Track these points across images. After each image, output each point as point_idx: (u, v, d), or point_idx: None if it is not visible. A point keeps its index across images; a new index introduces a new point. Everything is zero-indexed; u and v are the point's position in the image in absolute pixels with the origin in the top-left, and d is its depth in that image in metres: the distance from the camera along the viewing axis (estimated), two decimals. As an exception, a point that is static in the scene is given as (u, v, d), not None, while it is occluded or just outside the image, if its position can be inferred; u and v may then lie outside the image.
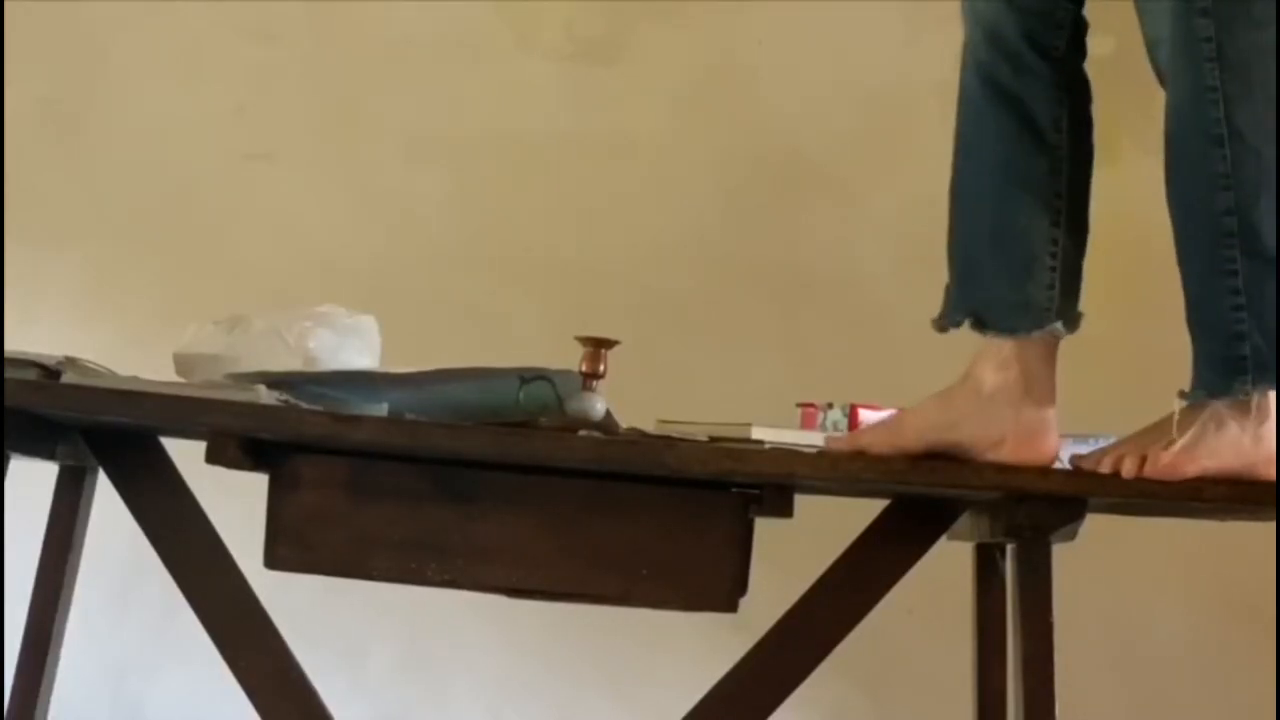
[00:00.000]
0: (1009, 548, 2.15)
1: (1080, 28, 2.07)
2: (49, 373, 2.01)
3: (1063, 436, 2.04)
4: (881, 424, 2.08)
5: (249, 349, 2.18)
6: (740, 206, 3.81)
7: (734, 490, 2.06)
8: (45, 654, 2.24)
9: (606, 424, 2.07)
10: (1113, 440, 2.08)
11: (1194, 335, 1.98)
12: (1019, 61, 2.02)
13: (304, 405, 2.02)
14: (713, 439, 2.09)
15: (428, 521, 2.04)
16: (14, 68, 3.79)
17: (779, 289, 3.76)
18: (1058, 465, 2.03)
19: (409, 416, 2.06)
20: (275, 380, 2.05)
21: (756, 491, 2.05)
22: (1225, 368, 1.95)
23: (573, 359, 2.11)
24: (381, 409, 2.07)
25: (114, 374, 2.06)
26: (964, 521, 2.15)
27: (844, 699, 3.52)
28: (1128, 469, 1.94)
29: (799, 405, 2.31)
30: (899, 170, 3.69)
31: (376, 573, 2.07)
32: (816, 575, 2.09)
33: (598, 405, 2.07)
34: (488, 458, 2.01)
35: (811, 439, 2.10)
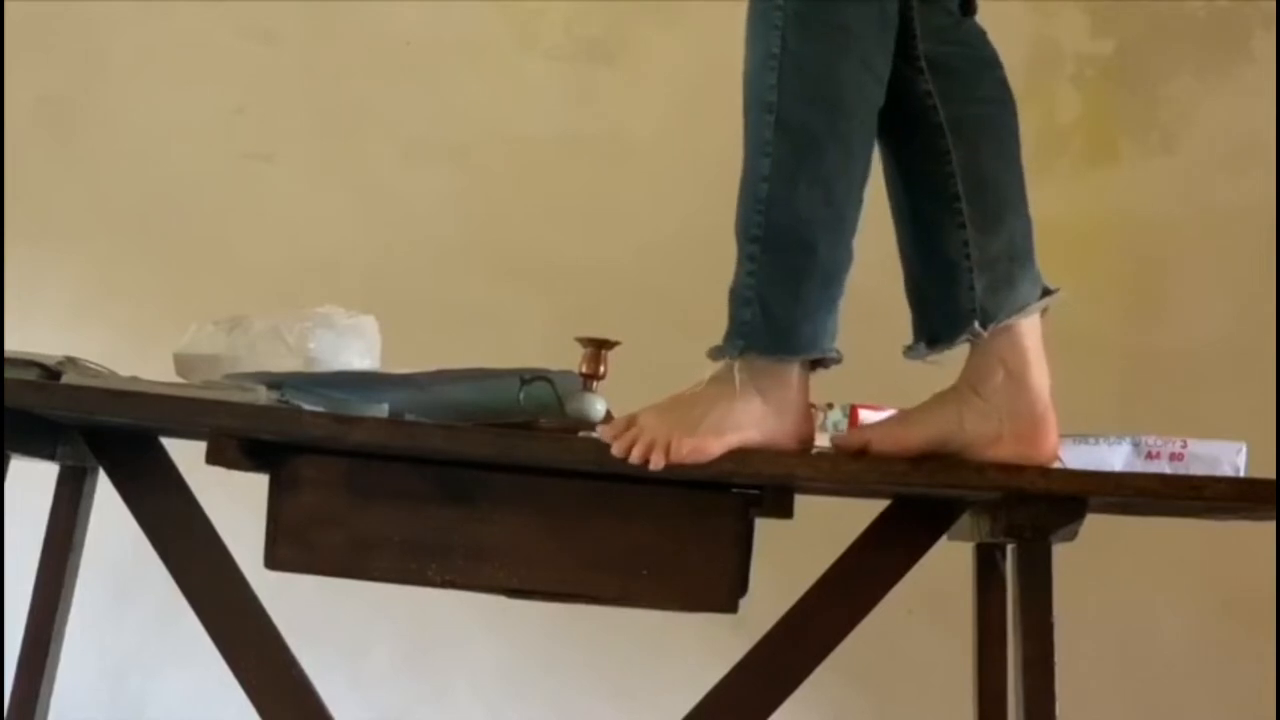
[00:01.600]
0: (1009, 548, 2.15)
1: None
2: (49, 373, 2.01)
3: (1063, 436, 2.04)
4: (886, 421, 2.07)
5: (249, 349, 2.18)
6: (740, 206, 3.80)
7: (734, 491, 2.06)
8: (45, 654, 2.24)
9: (607, 424, 2.07)
10: (1112, 440, 2.08)
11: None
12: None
13: (304, 406, 2.02)
14: (713, 439, 2.08)
15: (428, 522, 2.04)
16: (14, 68, 3.79)
17: (779, 289, 3.76)
18: (1058, 464, 2.03)
19: (409, 417, 2.06)
20: (275, 380, 2.05)
21: (756, 492, 2.05)
22: (729, 329, 1.98)
23: (573, 359, 2.11)
24: (382, 410, 2.06)
25: (114, 374, 2.06)
26: (964, 521, 2.15)
27: (844, 699, 3.52)
28: (656, 461, 1.92)
29: (799, 405, 2.31)
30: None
31: (377, 573, 2.07)
32: (816, 575, 2.09)
33: (598, 406, 2.07)
34: (488, 459, 2.01)
35: (811, 439, 2.10)
